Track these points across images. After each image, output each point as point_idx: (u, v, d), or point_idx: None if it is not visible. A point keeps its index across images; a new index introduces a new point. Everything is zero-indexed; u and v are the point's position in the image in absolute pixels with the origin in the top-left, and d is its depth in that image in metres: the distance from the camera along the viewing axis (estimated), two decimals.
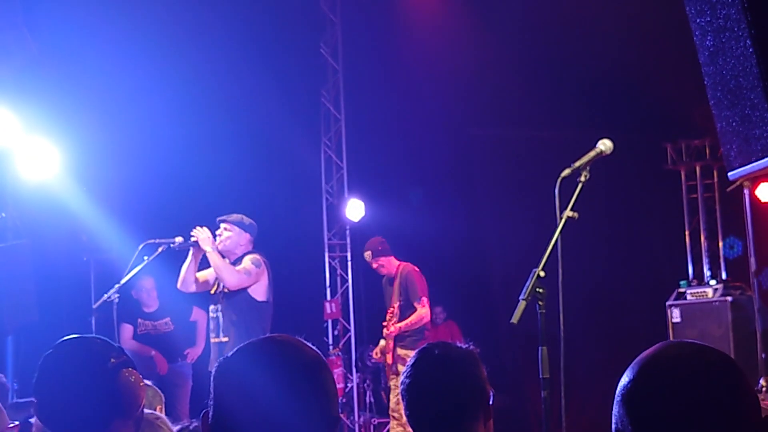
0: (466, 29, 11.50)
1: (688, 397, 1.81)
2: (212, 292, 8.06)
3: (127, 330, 9.79)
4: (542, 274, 4.25)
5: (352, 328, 11.64)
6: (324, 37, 11.99)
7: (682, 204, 12.16)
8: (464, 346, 3.12)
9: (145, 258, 8.52)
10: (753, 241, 8.96)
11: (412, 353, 3.16)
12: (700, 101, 3.04)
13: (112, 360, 2.92)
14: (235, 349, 2.22)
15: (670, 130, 11.81)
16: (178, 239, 8.46)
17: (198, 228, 7.83)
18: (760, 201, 10.67)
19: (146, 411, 3.27)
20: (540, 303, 4.29)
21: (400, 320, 8.99)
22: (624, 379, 1.91)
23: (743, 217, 9.12)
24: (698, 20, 2.74)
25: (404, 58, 11.54)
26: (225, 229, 8.07)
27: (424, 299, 9.00)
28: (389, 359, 9.02)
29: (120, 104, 9.78)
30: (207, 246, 7.82)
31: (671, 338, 9.82)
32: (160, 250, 8.53)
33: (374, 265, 9.24)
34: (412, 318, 8.93)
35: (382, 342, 9.17)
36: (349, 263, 11.79)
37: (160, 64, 10.12)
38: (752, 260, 8.91)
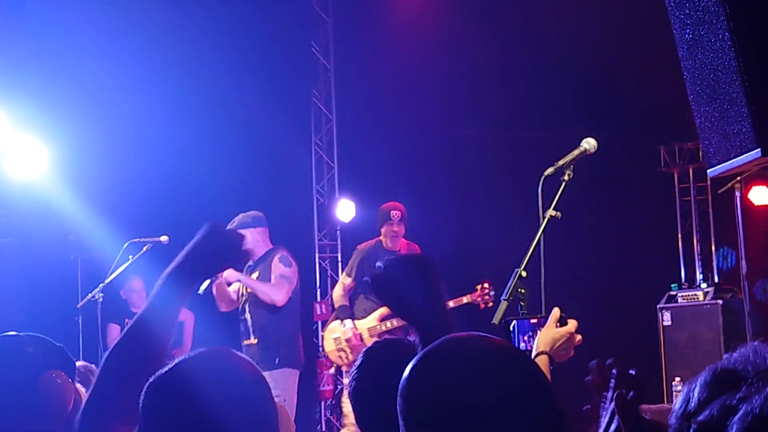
0: (458, 30, 11.43)
1: (462, 390, 1.67)
2: (238, 296, 8.03)
3: (114, 330, 9.70)
4: (524, 274, 4.18)
5: None
6: (315, 36, 11.92)
7: (674, 207, 12.13)
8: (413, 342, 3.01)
9: (130, 257, 8.49)
10: (744, 244, 8.90)
11: None
12: None
13: (37, 360, 2.80)
14: (170, 365, 2.10)
15: (663, 132, 11.78)
16: (164, 238, 8.42)
17: None
18: (752, 204, 10.62)
19: None
20: (522, 303, 4.21)
21: None
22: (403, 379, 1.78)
23: (735, 219, 9.06)
24: (677, 13, 2.68)
25: (396, 57, 11.48)
26: None
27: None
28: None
29: (109, 102, 9.71)
30: (234, 280, 7.78)
31: (662, 342, 9.75)
32: (145, 248, 8.49)
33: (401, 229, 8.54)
34: None
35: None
36: (340, 264, 11.70)
37: (150, 62, 10.06)
38: (743, 263, 8.86)
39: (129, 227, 9.09)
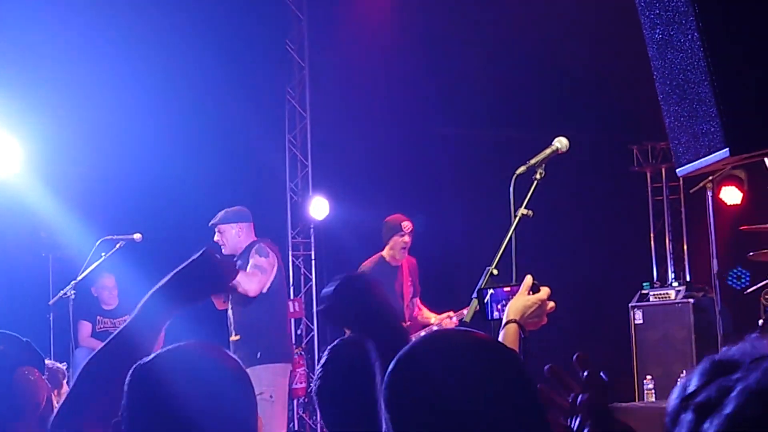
0: (433, 29, 11.45)
1: (445, 384, 1.70)
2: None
3: (85, 327, 9.67)
4: (495, 272, 4.17)
5: (315, 327, 11.57)
6: (290, 34, 11.91)
7: (647, 206, 12.19)
8: None
9: (103, 254, 8.46)
10: (715, 243, 8.94)
11: None
12: None
13: (9, 358, 2.78)
14: (155, 354, 2.15)
15: (636, 132, 11.82)
16: (137, 236, 8.39)
17: None
18: (724, 203, 10.68)
19: None
20: None
21: None
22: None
23: (707, 219, 9.10)
24: (648, 13, 2.70)
25: (371, 56, 11.48)
26: (219, 232, 7.92)
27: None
28: None
29: (82, 99, 9.67)
30: None
31: (634, 340, 9.79)
32: (118, 246, 8.47)
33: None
34: None
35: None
36: (313, 262, 11.70)
37: (124, 59, 10.02)
38: (714, 262, 8.89)
39: (102, 224, 9.06)
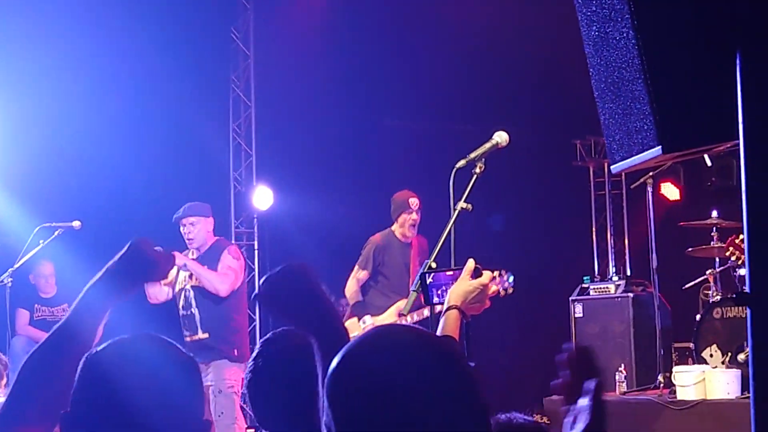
0: (380, 21, 11.43)
1: (388, 381, 1.70)
2: (176, 290, 7.91)
3: (23, 315, 9.56)
4: (434, 265, 4.19)
5: (257, 318, 11.52)
6: (236, 22, 11.82)
7: (589, 200, 12.29)
8: None
9: (41, 241, 8.37)
10: (655, 238, 9.06)
11: None
12: None
13: None
14: (106, 343, 2.14)
15: (579, 126, 11.90)
16: (76, 223, 8.31)
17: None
18: (666, 199, 10.81)
19: None
20: None
21: None
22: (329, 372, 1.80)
23: (647, 214, 9.22)
24: (584, 10, 2.71)
25: (318, 45, 11.44)
26: (191, 224, 7.87)
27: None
28: None
29: (21, 84, 9.54)
30: (181, 261, 7.55)
31: (574, 334, 9.86)
32: (56, 233, 8.38)
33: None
34: None
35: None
36: (256, 252, 11.64)
37: (66, 44, 9.90)
38: (654, 257, 9.00)
39: (40, 211, 8.95)
